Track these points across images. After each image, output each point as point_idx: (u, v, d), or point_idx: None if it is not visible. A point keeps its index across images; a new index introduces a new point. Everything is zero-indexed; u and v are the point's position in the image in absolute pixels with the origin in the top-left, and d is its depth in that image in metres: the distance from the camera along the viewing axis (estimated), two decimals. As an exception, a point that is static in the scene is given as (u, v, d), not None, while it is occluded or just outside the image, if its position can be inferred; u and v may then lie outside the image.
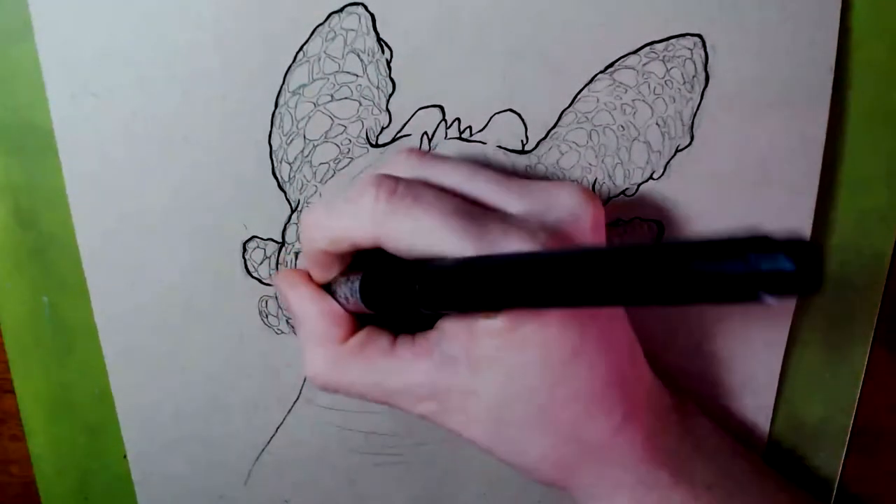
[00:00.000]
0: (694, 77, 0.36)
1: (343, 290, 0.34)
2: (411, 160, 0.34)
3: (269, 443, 0.43)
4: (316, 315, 0.34)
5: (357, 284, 0.33)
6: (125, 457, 0.44)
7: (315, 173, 0.38)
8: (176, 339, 0.41)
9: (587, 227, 0.31)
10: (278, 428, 0.43)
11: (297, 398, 0.42)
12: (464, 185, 0.32)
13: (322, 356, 0.33)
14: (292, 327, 0.41)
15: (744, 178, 0.38)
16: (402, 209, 0.30)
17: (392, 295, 0.31)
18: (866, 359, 0.41)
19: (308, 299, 0.34)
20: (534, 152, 0.38)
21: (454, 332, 0.31)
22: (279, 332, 0.41)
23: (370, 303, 0.32)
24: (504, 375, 0.31)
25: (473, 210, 0.30)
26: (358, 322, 0.35)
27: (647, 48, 0.36)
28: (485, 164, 0.36)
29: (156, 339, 0.41)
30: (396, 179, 0.31)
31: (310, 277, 0.35)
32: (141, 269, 0.40)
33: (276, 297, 0.40)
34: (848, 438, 0.43)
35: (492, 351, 0.30)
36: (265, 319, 0.41)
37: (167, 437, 0.43)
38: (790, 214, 0.38)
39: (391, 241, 0.30)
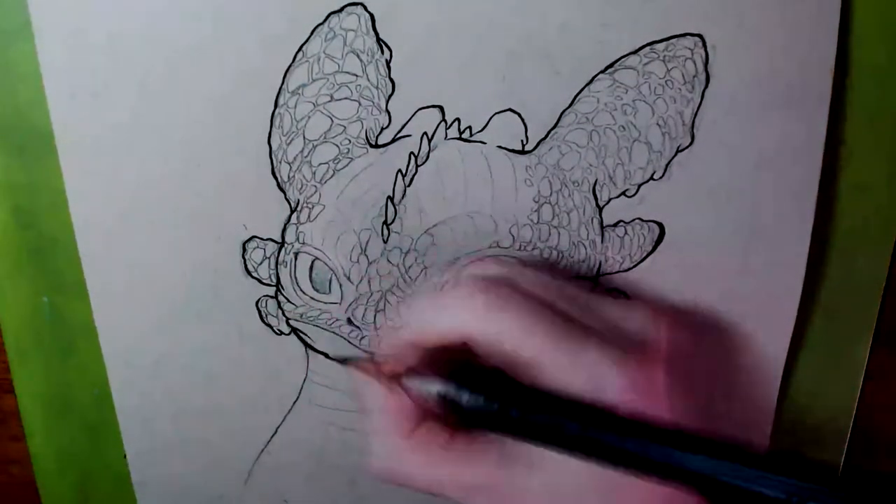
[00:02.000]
0: (695, 77, 0.36)
1: (417, 385, 0.33)
2: (503, 267, 0.35)
3: (268, 443, 0.43)
4: (387, 410, 0.34)
5: (437, 389, 0.32)
6: (125, 457, 0.44)
7: (314, 173, 0.38)
8: (175, 340, 0.41)
9: (660, 346, 0.33)
10: (278, 428, 0.43)
11: (297, 398, 0.42)
12: (548, 295, 0.33)
13: (387, 449, 0.34)
14: (292, 329, 0.41)
15: (744, 178, 0.38)
16: (502, 309, 0.31)
17: (484, 417, 0.31)
18: (866, 359, 0.41)
19: (381, 393, 0.34)
20: (534, 152, 0.38)
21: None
22: (279, 332, 0.41)
23: (454, 412, 0.32)
24: (563, 474, 0.31)
25: (557, 319, 0.32)
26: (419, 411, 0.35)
27: (648, 48, 0.36)
28: (566, 279, 0.37)
29: (155, 340, 0.41)
30: (499, 282, 0.33)
31: (380, 367, 0.35)
32: (140, 269, 0.40)
33: (276, 297, 0.40)
34: (848, 438, 0.43)
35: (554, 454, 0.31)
36: (265, 319, 0.41)
37: (167, 438, 0.43)
38: (790, 214, 0.38)
39: (485, 338, 0.31)
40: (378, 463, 0.34)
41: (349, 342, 0.41)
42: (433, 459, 0.33)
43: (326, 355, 0.41)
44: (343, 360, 0.38)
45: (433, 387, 0.32)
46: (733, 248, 0.39)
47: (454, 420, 0.33)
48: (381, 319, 0.40)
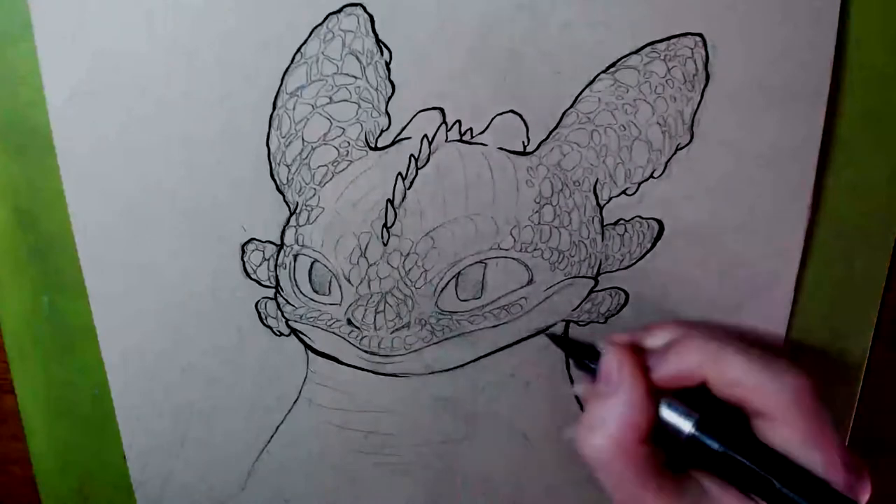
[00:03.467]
0: (695, 76, 0.36)
1: (672, 414, 0.34)
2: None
3: (268, 442, 0.44)
4: (644, 409, 0.33)
5: (689, 427, 0.33)
6: (125, 457, 0.44)
7: (314, 176, 0.38)
8: (175, 340, 0.41)
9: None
10: (278, 427, 0.43)
11: (297, 398, 0.43)
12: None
13: (616, 441, 0.33)
14: (292, 330, 0.41)
15: (742, 175, 0.38)
16: (733, 351, 0.33)
17: (745, 479, 0.32)
18: (866, 359, 0.41)
19: (641, 390, 0.34)
20: (535, 153, 0.37)
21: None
22: (278, 333, 0.41)
23: (703, 462, 0.33)
24: None
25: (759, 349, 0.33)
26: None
27: (649, 48, 0.36)
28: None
29: (155, 341, 0.41)
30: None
31: (649, 373, 0.34)
32: (139, 270, 0.40)
33: (275, 299, 0.40)
34: (848, 438, 0.43)
35: None
36: (264, 321, 0.41)
37: (166, 438, 0.43)
38: (787, 211, 0.38)
39: (722, 375, 0.33)
40: (600, 446, 0.33)
41: (349, 342, 0.41)
42: (644, 475, 0.33)
43: (327, 356, 0.41)
44: (584, 347, 0.37)
45: (686, 423, 0.33)
46: (731, 245, 0.39)
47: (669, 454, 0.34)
48: (381, 321, 0.40)
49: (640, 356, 0.34)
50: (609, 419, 0.33)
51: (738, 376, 0.32)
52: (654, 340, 0.36)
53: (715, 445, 0.32)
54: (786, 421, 0.31)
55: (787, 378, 0.32)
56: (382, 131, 0.37)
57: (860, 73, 0.36)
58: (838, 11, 0.35)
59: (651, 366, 0.34)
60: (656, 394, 0.33)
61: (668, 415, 0.33)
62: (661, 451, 0.33)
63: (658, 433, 0.33)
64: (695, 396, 0.33)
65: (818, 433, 0.31)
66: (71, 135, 0.37)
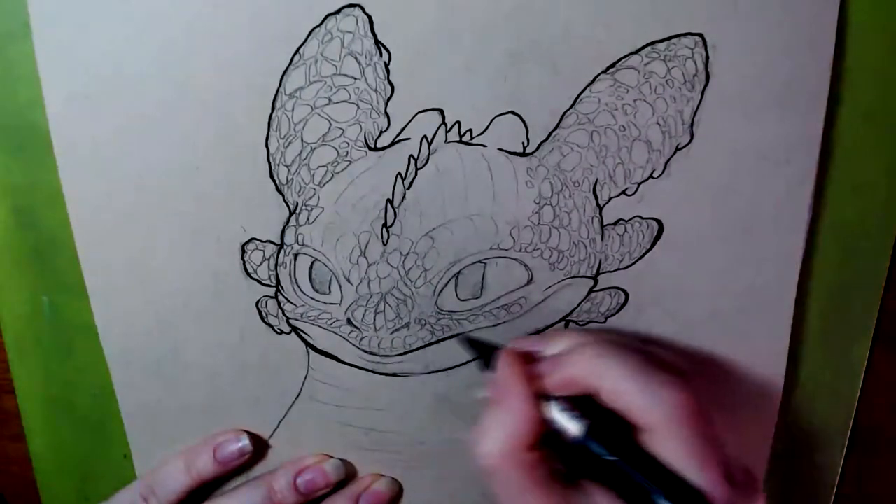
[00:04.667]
0: (695, 76, 0.36)
1: (560, 417, 0.34)
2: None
3: (270, 438, 0.44)
4: (528, 418, 0.34)
5: (576, 432, 0.34)
6: (125, 457, 0.44)
7: (313, 176, 0.38)
8: (177, 340, 0.41)
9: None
10: (279, 423, 0.43)
11: (298, 395, 0.43)
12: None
13: (502, 448, 0.33)
14: (293, 328, 0.41)
15: (742, 175, 0.38)
16: (617, 363, 0.33)
17: (628, 489, 0.32)
18: (866, 359, 0.41)
19: (527, 398, 0.34)
20: (535, 154, 0.37)
21: None
22: (279, 331, 0.41)
23: (592, 470, 0.34)
24: None
25: (648, 360, 0.34)
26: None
27: (649, 48, 0.36)
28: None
29: (156, 340, 0.41)
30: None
31: (529, 376, 0.35)
32: (139, 270, 0.40)
33: (276, 298, 0.40)
34: (848, 438, 0.43)
35: None
36: (265, 319, 0.41)
37: (170, 435, 0.43)
38: (787, 211, 0.38)
39: (606, 387, 0.33)
40: (488, 451, 0.33)
41: (349, 342, 0.41)
42: (531, 482, 0.33)
43: (327, 354, 0.41)
44: (493, 350, 0.37)
45: (575, 427, 0.33)
46: (731, 245, 0.39)
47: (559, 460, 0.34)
48: (381, 321, 0.40)
49: (529, 364, 0.35)
50: (496, 426, 0.34)
51: (619, 389, 0.33)
52: (553, 348, 0.36)
53: (601, 452, 0.33)
54: (665, 435, 0.32)
55: (665, 393, 0.32)
56: (382, 132, 0.37)
57: (860, 72, 0.36)
58: (838, 11, 0.35)
59: (542, 373, 0.35)
60: (548, 400, 0.34)
61: (559, 419, 0.34)
62: (554, 460, 0.34)
63: (554, 440, 0.34)
64: (589, 405, 0.34)
65: (698, 449, 0.31)
66: (70, 135, 0.37)
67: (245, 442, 0.42)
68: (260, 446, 0.43)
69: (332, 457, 0.44)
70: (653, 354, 0.36)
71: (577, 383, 0.34)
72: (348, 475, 0.44)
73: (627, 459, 0.32)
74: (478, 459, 0.34)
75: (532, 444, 0.33)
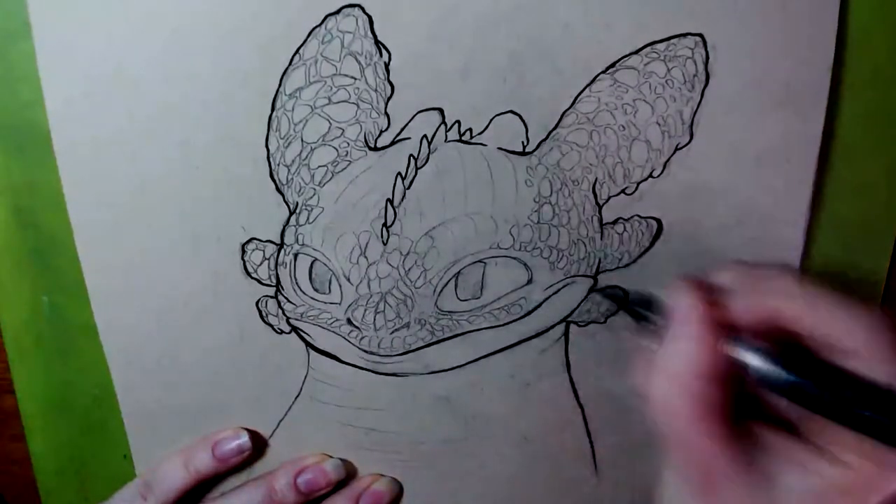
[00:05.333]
0: (695, 76, 0.36)
1: (742, 352, 0.31)
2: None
3: (270, 437, 0.44)
4: (707, 347, 0.30)
5: (767, 362, 0.30)
6: (125, 457, 0.44)
7: (313, 176, 0.38)
8: (177, 339, 0.41)
9: None
10: (280, 423, 0.43)
11: (299, 394, 0.43)
12: None
13: (679, 375, 0.30)
14: (293, 328, 0.41)
15: (741, 175, 0.38)
16: (817, 292, 0.30)
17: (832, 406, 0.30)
18: (866, 358, 0.41)
19: (708, 325, 0.31)
20: (535, 153, 0.37)
21: (794, 464, 0.30)
22: (279, 331, 0.41)
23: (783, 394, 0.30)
24: None
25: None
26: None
27: (649, 48, 0.36)
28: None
29: (157, 339, 0.41)
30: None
31: (714, 311, 0.31)
32: (140, 269, 0.40)
33: (276, 297, 0.40)
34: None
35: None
36: (265, 319, 0.41)
37: (170, 436, 0.43)
38: (786, 211, 0.38)
39: (806, 314, 0.30)
40: (660, 383, 0.31)
41: (349, 342, 0.41)
42: (703, 417, 0.30)
43: (327, 354, 0.41)
44: (645, 301, 0.34)
45: (760, 358, 0.31)
46: (730, 244, 0.39)
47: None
48: (381, 320, 0.40)
49: (710, 294, 0.32)
50: (674, 357, 0.30)
51: (825, 315, 0.30)
52: (724, 278, 0.33)
53: (792, 377, 0.30)
54: (873, 357, 0.29)
55: (868, 315, 0.30)
56: (382, 132, 0.37)
57: (860, 72, 0.36)
58: (838, 11, 0.35)
59: (727, 303, 0.31)
60: (731, 333, 0.31)
61: (743, 354, 0.31)
62: (729, 399, 0.30)
63: (731, 378, 0.30)
64: (771, 339, 0.31)
65: None
66: (70, 135, 0.37)
67: (244, 439, 0.42)
68: (259, 444, 0.43)
69: (332, 456, 0.44)
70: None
71: (769, 313, 0.31)
72: (348, 475, 0.44)
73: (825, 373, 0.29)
74: (650, 393, 0.31)
75: (712, 378, 0.30)
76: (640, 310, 0.34)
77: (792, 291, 0.31)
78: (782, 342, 0.30)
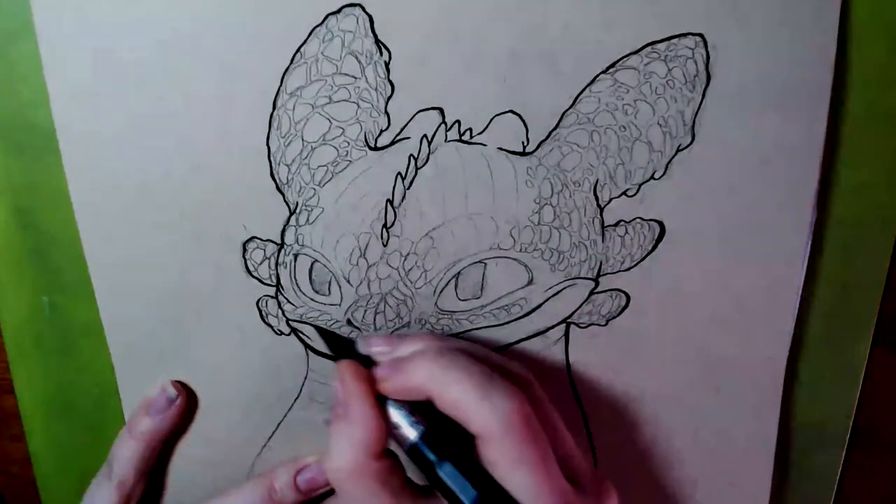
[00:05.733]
0: (695, 76, 0.36)
1: (400, 419, 0.35)
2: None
3: (270, 438, 0.44)
4: (372, 428, 0.34)
5: (414, 437, 0.34)
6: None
7: (313, 176, 0.38)
8: (178, 337, 0.41)
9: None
10: (279, 424, 0.43)
11: (298, 395, 0.43)
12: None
13: (352, 460, 0.34)
14: (292, 329, 0.41)
15: (744, 176, 0.38)
16: (455, 370, 0.34)
17: (452, 496, 0.33)
18: (866, 359, 0.41)
19: (370, 407, 0.34)
20: (535, 154, 0.37)
21: None
22: (279, 332, 0.41)
23: (423, 467, 0.34)
24: None
25: (484, 367, 0.35)
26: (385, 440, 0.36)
27: (649, 48, 0.36)
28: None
29: (160, 338, 0.41)
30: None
31: (371, 381, 0.35)
32: (144, 266, 0.40)
33: (276, 298, 0.40)
34: (848, 438, 0.43)
35: None
36: (265, 319, 0.41)
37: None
38: (789, 212, 0.38)
39: (442, 394, 0.34)
40: (338, 465, 0.34)
41: (349, 342, 0.41)
42: (380, 491, 0.34)
43: (327, 355, 0.41)
44: (335, 357, 0.38)
45: (411, 433, 0.34)
46: (733, 246, 0.39)
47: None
48: (381, 321, 0.40)
49: (367, 370, 0.35)
50: (341, 439, 0.34)
51: (451, 396, 0.33)
52: (402, 350, 0.37)
53: (432, 457, 0.33)
54: (497, 443, 0.32)
55: (499, 401, 0.32)
56: (382, 131, 0.37)
57: (861, 72, 0.36)
58: (839, 10, 0.35)
59: (382, 376, 0.35)
60: (389, 405, 0.35)
61: (398, 425, 0.35)
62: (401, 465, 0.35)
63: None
64: (431, 411, 0.34)
65: (528, 457, 0.32)
66: (74, 134, 0.38)
67: (170, 389, 0.42)
68: (190, 393, 0.43)
69: None
70: (493, 362, 0.36)
71: (414, 389, 0.34)
72: None
73: (455, 466, 0.33)
74: (327, 475, 0.34)
75: (380, 453, 0.34)
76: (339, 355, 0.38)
77: (435, 371, 0.34)
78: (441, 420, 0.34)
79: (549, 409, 0.36)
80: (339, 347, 0.38)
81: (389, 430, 0.35)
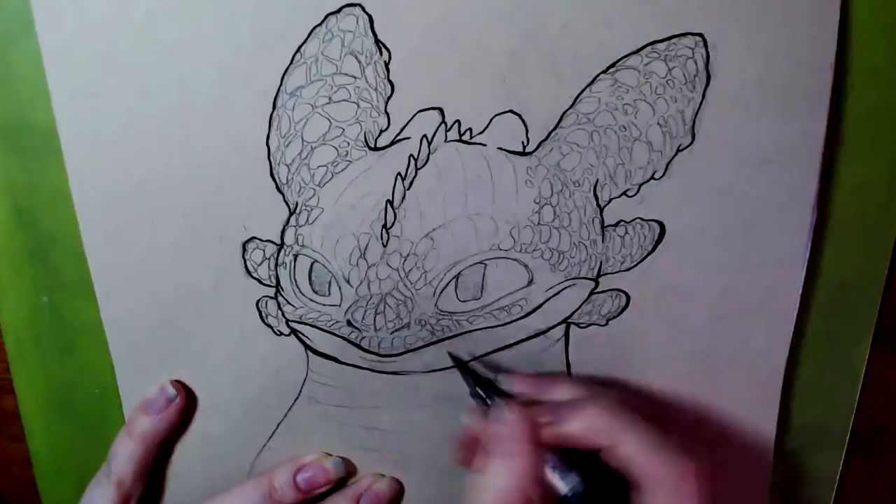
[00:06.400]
0: (695, 76, 0.36)
1: (550, 469, 0.35)
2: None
3: (269, 438, 0.44)
4: (529, 477, 0.34)
5: (570, 490, 0.34)
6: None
7: (313, 176, 0.38)
8: (178, 337, 0.41)
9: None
10: (279, 424, 0.43)
11: (298, 396, 0.43)
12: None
13: (515, 487, 0.33)
14: (292, 330, 0.41)
15: (744, 176, 0.38)
16: (631, 426, 0.34)
17: None
18: (866, 359, 0.41)
19: (531, 456, 0.34)
20: (535, 154, 0.37)
21: None
22: (278, 332, 0.41)
23: None
24: None
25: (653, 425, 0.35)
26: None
27: (649, 48, 0.36)
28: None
29: (159, 337, 0.41)
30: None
31: (535, 426, 0.35)
32: (144, 266, 0.40)
33: (276, 298, 0.40)
34: (848, 438, 0.43)
35: None
36: (265, 320, 0.41)
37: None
38: (789, 212, 0.38)
39: (616, 448, 0.34)
40: (499, 486, 0.34)
41: (349, 342, 0.41)
42: None
43: (326, 356, 0.41)
44: (488, 383, 0.39)
45: (566, 485, 0.34)
46: (733, 247, 0.39)
47: None
48: (381, 321, 0.40)
49: (534, 414, 0.35)
50: (497, 483, 0.34)
51: (631, 453, 0.33)
52: (557, 394, 0.37)
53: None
54: (664, 495, 0.33)
55: (675, 462, 0.33)
56: (382, 131, 0.37)
57: (861, 72, 0.36)
58: (839, 10, 0.35)
59: (550, 420, 0.35)
60: (546, 451, 0.35)
61: (552, 476, 0.34)
62: None
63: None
64: (583, 458, 0.34)
65: None
66: (75, 133, 0.38)
67: (168, 388, 0.42)
68: (189, 393, 0.43)
69: (332, 455, 0.44)
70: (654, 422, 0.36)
71: (583, 438, 0.34)
72: (348, 473, 0.44)
73: None
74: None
75: (533, 496, 0.34)
76: (484, 392, 0.38)
77: (609, 423, 0.34)
78: (593, 469, 0.34)
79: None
80: (483, 381, 0.38)
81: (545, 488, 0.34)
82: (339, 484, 0.44)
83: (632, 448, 0.33)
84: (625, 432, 0.34)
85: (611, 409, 0.35)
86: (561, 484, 0.34)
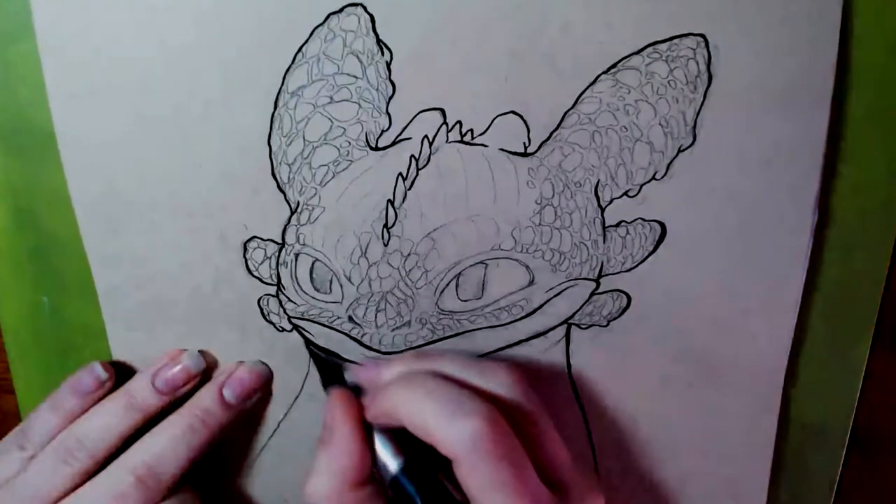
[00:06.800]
0: (697, 77, 0.36)
1: (383, 450, 0.35)
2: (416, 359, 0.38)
3: (271, 437, 0.44)
4: (353, 456, 0.34)
5: (396, 467, 0.34)
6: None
7: (314, 175, 0.38)
8: (179, 337, 0.41)
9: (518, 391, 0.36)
10: (280, 422, 0.43)
11: (299, 393, 0.43)
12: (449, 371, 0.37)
13: (330, 487, 0.34)
14: (294, 326, 0.41)
15: (745, 177, 0.38)
16: (421, 395, 0.34)
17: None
18: (866, 359, 0.41)
19: (353, 435, 0.35)
20: (536, 154, 0.37)
21: None
22: (280, 329, 0.41)
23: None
24: None
25: (453, 388, 0.34)
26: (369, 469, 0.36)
27: (651, 48, 0.36)
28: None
29: (160, 337, 0.41)
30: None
31: (361, 411, 0.36)
32: (145, 266, 0.40)
33: (277, 296, 0.40)
34: (848, 438, 0.43)
35: None
36: (266, 317, 0.41)
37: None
38: (791, 213, 0.38)
39: (411, 420, 0.34)
40: (315, 491, 0.34)
41: (351, 339, 0.41)
42: None
43: (329, 352, 0.41)
44: (324, 384, 0.40)
45: (392, 462, 0.34)
46: (734, 247, 0.39)
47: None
48: (382, 318, 0.40)
49: (356, 398, 0.36)
50: (322, 465, 0.34)
51: (421, 422, 0.33)
52: (386, 375, 0.37)
53: (411, 490, 0.34)
54: (467, 466, 0.32)
55: (464, 422, 0.32)
56: (383, 131, 0.37)
57: (862, 72, 0.36)
58: (841, 11, 0.35)
59: (365, 405, 0.36)
60: (375, 433, 0.35)
61: (380, 455, 0.35)
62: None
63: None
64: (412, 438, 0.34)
65: (499, 478, 0.31)
66: (74, 134, 0.38)
67: (97, 368, 0.40)
68: (119, 371, 0.42)
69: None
70: (469, 375, 0.36)
71: (389, 417, 0.34)
72: (209, 366, 0.42)
73: (429, 497, 0.33)
74: (306, 499, 0.34)
75: (360, 482, 0.34)
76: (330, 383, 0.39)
77: (400, 398, 0.34)
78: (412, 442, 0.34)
79: (532, 409, 0.35)
80: (329, 374, 0.39)
81: (375, 459, 0.35)
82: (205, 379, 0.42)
83: (422, 419, 0.33)
84: (416, 405, 0.33)
85: (408, 382, 0.34)
86: (392, 463, 0.34)
